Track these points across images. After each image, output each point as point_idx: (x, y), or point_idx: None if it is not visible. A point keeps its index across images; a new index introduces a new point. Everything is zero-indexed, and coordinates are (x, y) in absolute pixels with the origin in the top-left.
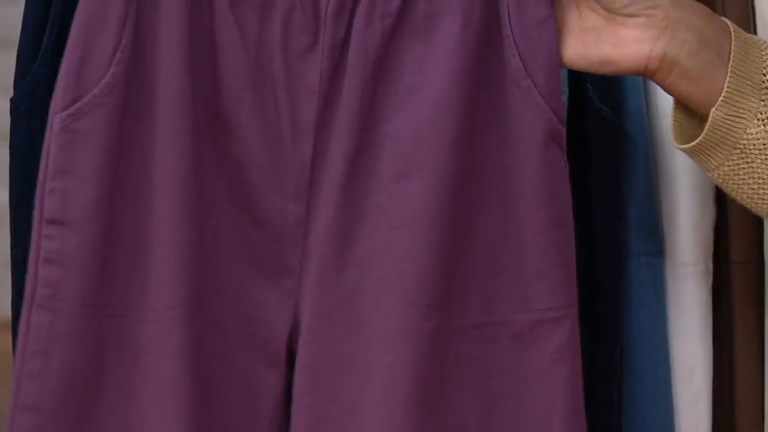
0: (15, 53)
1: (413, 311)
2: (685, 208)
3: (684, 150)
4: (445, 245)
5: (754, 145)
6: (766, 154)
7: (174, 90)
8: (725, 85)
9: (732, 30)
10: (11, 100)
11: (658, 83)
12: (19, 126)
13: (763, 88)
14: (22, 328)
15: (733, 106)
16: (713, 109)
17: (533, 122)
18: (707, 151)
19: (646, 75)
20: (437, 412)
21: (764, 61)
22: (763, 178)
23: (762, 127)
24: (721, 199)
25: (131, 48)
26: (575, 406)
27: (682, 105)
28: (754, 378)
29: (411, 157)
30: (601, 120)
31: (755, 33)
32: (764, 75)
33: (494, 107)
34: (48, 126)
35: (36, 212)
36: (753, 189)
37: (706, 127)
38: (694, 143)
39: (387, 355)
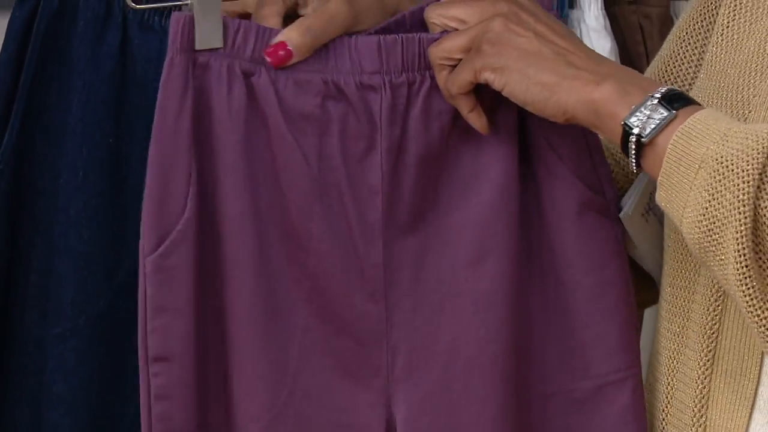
0: None
1: (504, 388)
2: None
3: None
4: (517, 322)
5: None
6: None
7: (234, 215)
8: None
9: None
10: None
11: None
12: None
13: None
14: None
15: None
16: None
17: (564, 195)
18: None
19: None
20: None
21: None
22: None
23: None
24: None
25: (198, 180)
26: None
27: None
28: None
29: (482, 242)
30: None
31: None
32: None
33: (531, 184)
34: (140, 269)
35: (140, 352)
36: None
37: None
38: None
39: None
